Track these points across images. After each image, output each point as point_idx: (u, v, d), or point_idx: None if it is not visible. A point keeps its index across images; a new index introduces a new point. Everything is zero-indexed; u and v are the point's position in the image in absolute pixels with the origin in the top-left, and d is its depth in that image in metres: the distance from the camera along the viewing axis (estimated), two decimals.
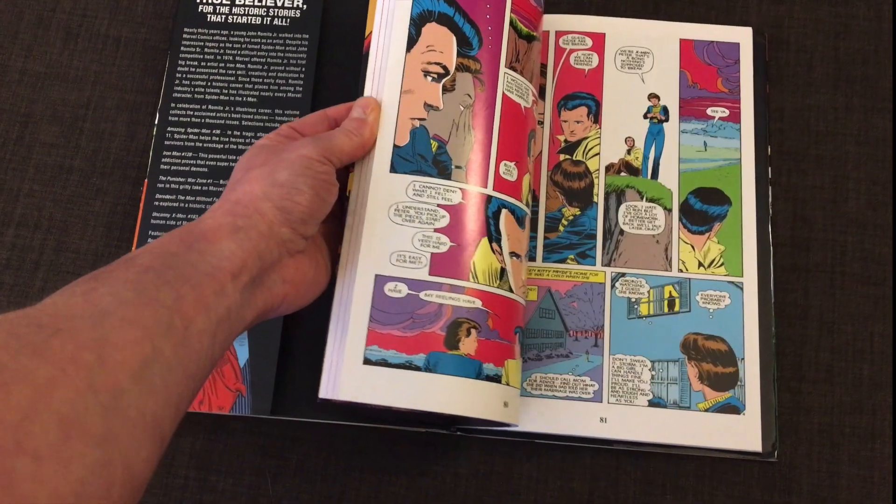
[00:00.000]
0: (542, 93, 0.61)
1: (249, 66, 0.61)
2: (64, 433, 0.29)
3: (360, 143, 0.48)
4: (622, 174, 0.59)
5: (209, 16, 0.62)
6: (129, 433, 0.31)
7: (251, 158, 0.46)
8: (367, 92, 0.51)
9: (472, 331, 0.48)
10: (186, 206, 0.58)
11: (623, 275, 0.57)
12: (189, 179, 0.58)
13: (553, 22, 0.63)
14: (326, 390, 0.46)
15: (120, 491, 0.31)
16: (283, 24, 0.62)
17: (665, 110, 0.60)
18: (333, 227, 0.50)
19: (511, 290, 0.50)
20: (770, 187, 0.59)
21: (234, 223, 0.41)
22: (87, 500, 0.29)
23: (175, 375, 0.35)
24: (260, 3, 0.62)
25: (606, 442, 0.54)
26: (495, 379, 0.48)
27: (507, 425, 0.51)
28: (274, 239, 0.42)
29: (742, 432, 0.53)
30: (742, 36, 0.62)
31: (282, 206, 0.43)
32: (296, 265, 0.45)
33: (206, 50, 0.61)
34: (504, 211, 0.51)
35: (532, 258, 0.57)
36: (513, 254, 0.51)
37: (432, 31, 0.51)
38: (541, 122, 0.60)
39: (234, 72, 0.61)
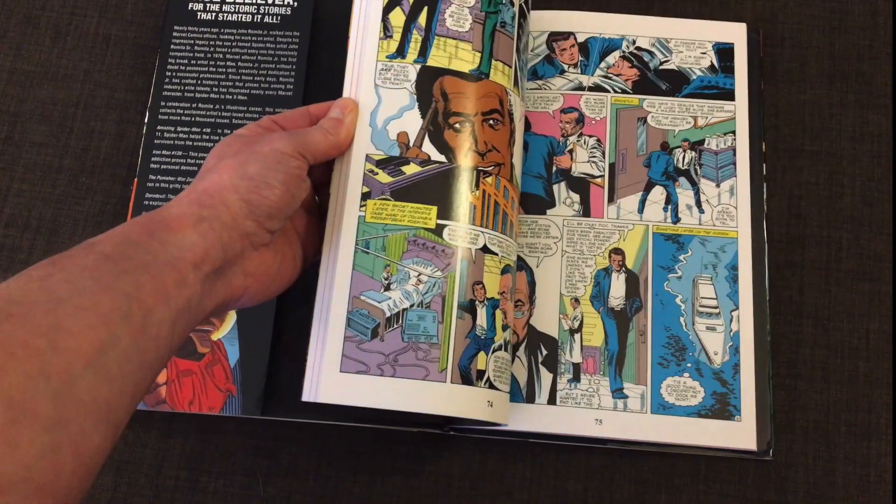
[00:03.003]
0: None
1: (240, 63, 0.60)
2: (11, 417, 0.29)
3: (335, 142, 0.48)
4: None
5: (199, 13, 0.62)
6: (80, 419, 0.32)
7: (225, 147, 0.45)
8: (345, 92, 0.51)
9: None
10: None
11: None
12: (179, 178, 0.58)
13: (539, 19, 0.62)
14: (309, 393, 0.46)
15: (69, 476, 0.31)
16: (274, 21, 0.61)
17: None
18: (305, 222, 0.50)
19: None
20: (765, 183, 0.59)
21: (199, 213, 0.41)
22: (33, 483, 0.30)
23: (132, 363, 0.35)
24: (250, 1, 0.62)
25: (601, 441, 0.54)
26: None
27: (498, 424, 0.50)
28: (237, 231, 0.42)
29: (737, 431, 0.53)
30: (736, 32, 0.62)
31: (248, 199, 0.42)
32: (260, 259, 0.44)
33: (196, 48, 0.61)
34: None
35: None
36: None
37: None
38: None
39: (224, 70, 0.60)
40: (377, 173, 0.49)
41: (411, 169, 0.49)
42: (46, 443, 0.30)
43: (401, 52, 0.51)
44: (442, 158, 0.49)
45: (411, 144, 0.49)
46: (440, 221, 0.48)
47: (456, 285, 0.48)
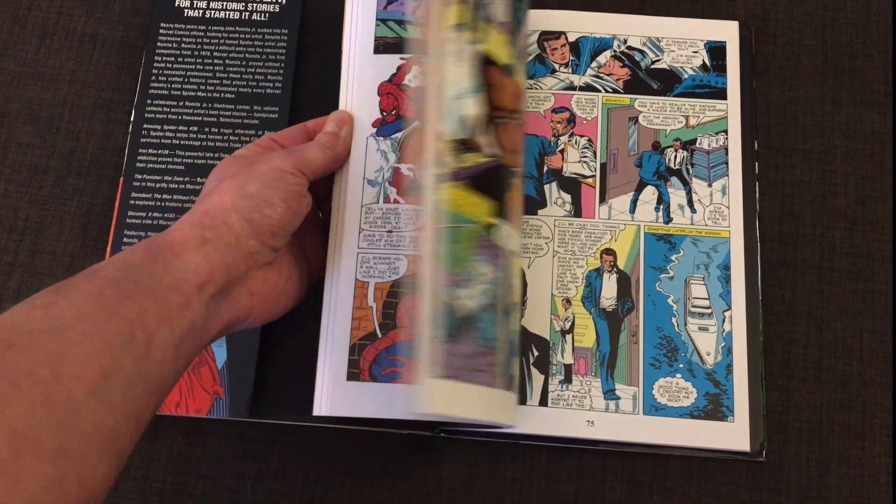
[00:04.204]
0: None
1: (227, 61, 0.60)
2: (15, 449, 0.29)
3: (332, 156, 0.48)
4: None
5: (186, 11, 0.61)
6: (84, 448, 0.31)
7: (224, 169, 0.46)
8: (341, 103, 0.50)
9: None
10: (163, 204, 0.56)
11: None
12: (166, 177, 0.57)
13: (531, 18, 0.62)
14: (320, 407, 0.46)
15: None
16: (262, 18, 0.61)
17: None
18: (310, 239, 0.50)
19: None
20: (757, 182, 0.58)
21: (202, 235, 0.41)
22: None
23: (136, 389, 0.34)
24: None
25: (592, 442, 0.53)
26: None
27: (499, 427, 0.50)
28: (241, 251, 0.42)
29: (730, 432, 0.52)
30: (728, 30, 0.61)
31: (250, 219, 0.42)
32: (264, 278, 0.44)
33: (182, 45, 0.60)
34: None
35: None
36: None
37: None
38: None
39: (211, 68, 0.60)
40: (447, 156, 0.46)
41: (473, 159, 0.46)
42: (50, 474, 0.30)
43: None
44: (496, 152, 0.48)
45: (475, 132, 0.47)
46: (493, 220, 0.47)
47: (505, 289, 0.47)
